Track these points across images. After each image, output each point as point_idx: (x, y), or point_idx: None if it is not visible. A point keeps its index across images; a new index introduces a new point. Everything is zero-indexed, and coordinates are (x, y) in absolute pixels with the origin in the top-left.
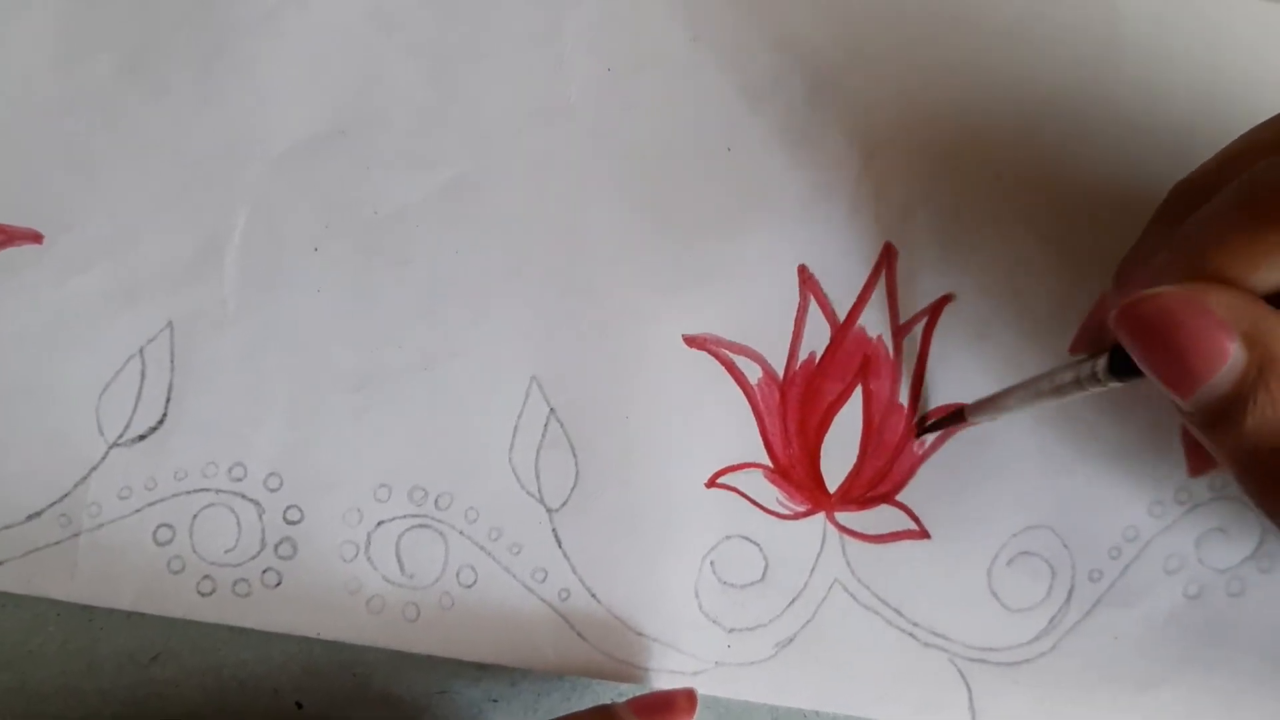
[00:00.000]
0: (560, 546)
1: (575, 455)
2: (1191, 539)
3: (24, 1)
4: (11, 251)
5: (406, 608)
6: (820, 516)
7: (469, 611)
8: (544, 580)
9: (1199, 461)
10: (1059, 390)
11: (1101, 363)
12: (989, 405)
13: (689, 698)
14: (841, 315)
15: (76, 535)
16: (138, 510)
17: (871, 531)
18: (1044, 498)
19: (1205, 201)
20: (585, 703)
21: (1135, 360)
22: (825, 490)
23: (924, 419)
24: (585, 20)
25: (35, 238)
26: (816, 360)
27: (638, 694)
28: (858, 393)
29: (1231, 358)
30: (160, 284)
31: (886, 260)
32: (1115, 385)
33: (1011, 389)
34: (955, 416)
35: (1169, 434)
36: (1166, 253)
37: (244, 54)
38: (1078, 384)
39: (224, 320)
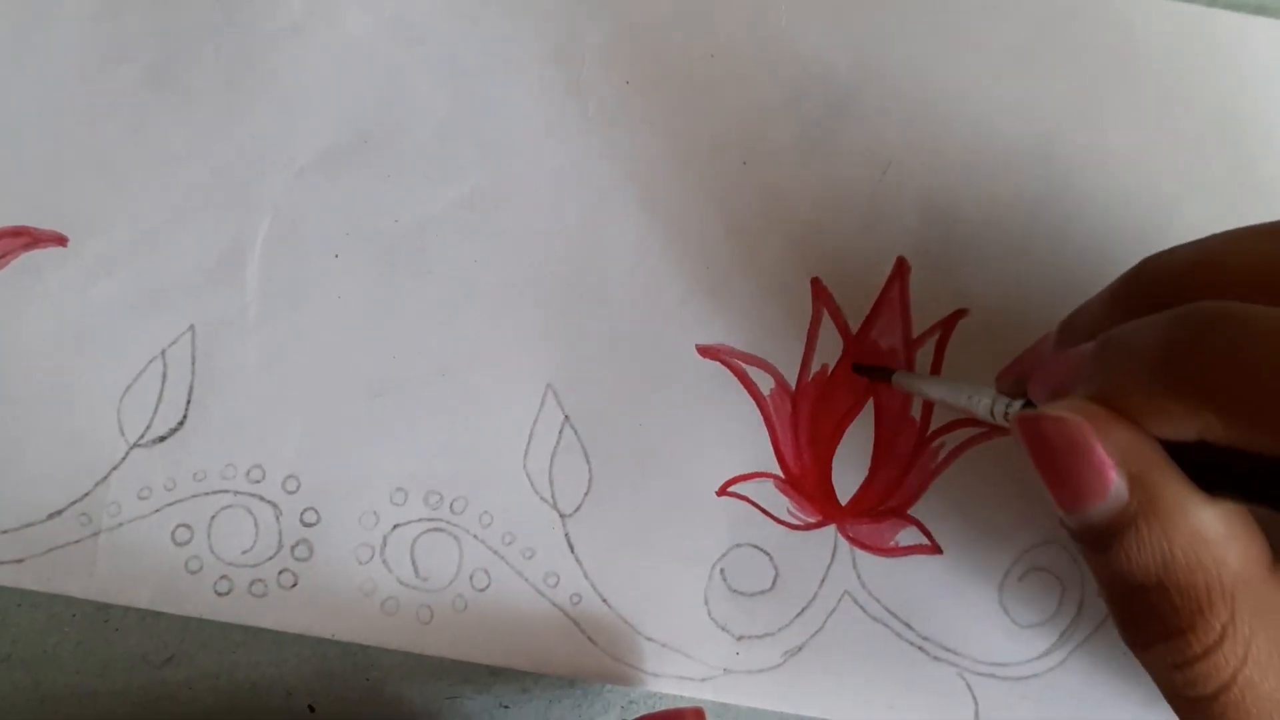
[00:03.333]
0: (572, 551)
1: (589, 462)
2: None
3: (52, 11)
4: (37, 254)
5: (420, 610)
6: (831, 528)
7: (482, 614)
8: (556, 585)
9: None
10: (974, 408)
11: (1015, 407)
12: (916, 383)
13: (697, 716)
14: (854, 328)
15: (96, 534)
16: (157, 510)
17: (883, 545)
18: (1055, 514)
19: (1170, 295)
20: (596, 710)
21: (1027, 462)
22: (836, 502)
23: (862, 361)
24: (604, 35)
25: (60, 241)
26: (829, 372)
27: (647, 704)
28: (869, 406)
29: (1111, 495)
30: (183, 288)
31: (899, 274)
32: None
33: (937, 382)
34: (884, 373)
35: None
36: (1093, 355)
37: (268, 65)
38: (990, 414)
39: (245, 325)
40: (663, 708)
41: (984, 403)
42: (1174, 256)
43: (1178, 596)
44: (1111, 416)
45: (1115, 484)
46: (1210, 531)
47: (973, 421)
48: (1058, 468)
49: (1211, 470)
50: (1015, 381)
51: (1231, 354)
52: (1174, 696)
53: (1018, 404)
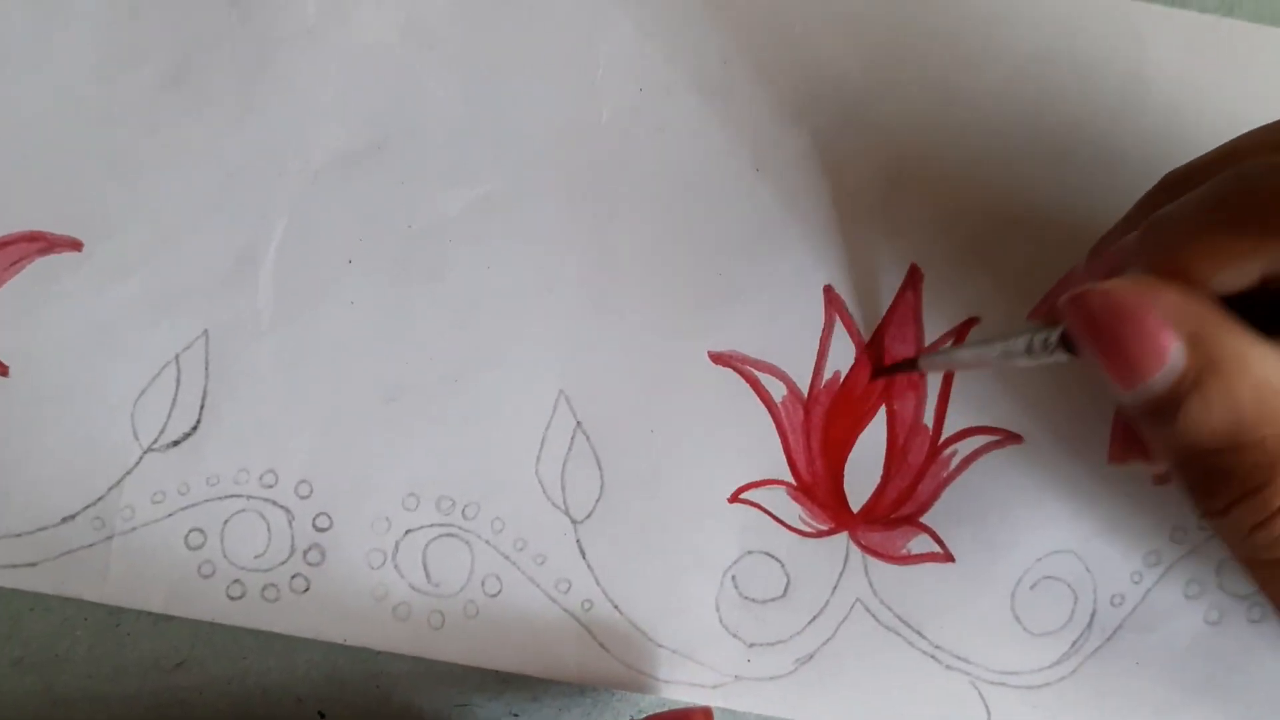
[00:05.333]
0: (584, 558)
1: (600, 468)
2: (1213, 565)
3: (68, 12)
4: (52, 259)
5: (432, 615)
6: (843, 536)
7: (493, 620)
8: (567, 591)
9: (1120, 451)
10: (1010, 355)
11: (1055, 335)
12: (942, 359)
13: (705, 715)
14: (867, 335)
15: (109, 538)
16: (170, 514)
17: (895, 553)
18: (1068, 523)
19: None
20: (606, 718)
21: (1080, 348)
22: (848, 510)
23: (880, 365)
24: (619, 40)
25: (75, 245)
26: (841, 380)
27: (655, 709)
28: (881, 413)
29: (1170, 359)
30: (197, 293)
31: (912, 282)
32: (1064, 359)
33: (965, 346)
34: (909, 364)
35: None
36: (1137, 237)
37: (284, 68)
38: (1029, 351)
39: (259, 329)
40: None
41: (1021, 343)
42: (1193, 162)
43: (1253, 452)
44: (1160, 282)
45: (1173, 348)
46: (1278, 379)
47: (986, 429)
48: (1111, 342)
49: (1272, 318)
50: (1050, 311)
51: None
52: (1257, 562)
53: (1056, 331)
